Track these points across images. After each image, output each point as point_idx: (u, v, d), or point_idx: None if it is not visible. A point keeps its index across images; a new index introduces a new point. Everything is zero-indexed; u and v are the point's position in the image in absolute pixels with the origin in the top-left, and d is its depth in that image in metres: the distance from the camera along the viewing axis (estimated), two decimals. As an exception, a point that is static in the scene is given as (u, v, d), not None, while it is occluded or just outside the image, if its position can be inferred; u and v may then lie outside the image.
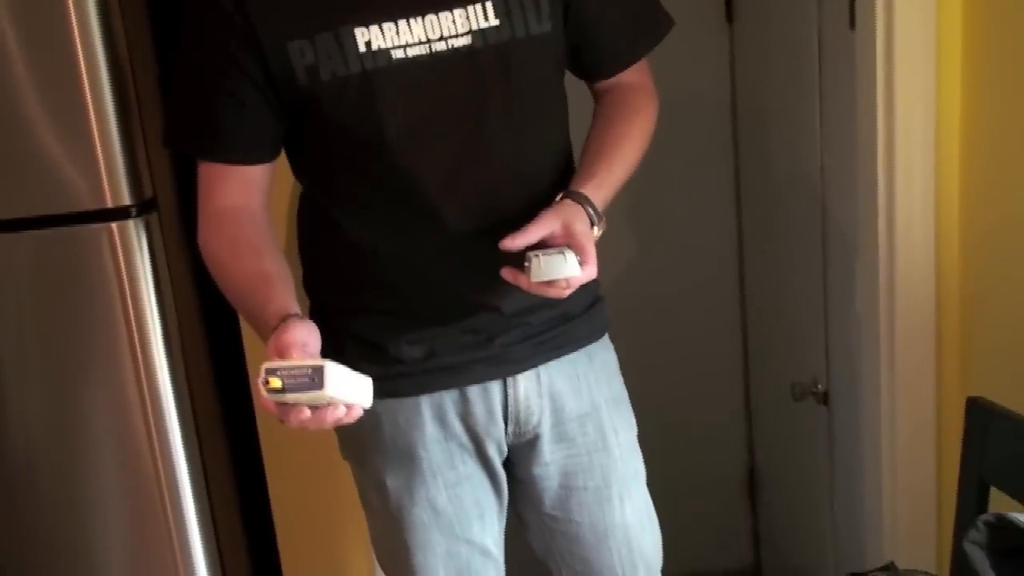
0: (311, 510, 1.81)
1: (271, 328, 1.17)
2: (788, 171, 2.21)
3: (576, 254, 1.23)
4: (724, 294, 2.58)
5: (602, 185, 1.33)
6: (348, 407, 1.14)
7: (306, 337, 1.16)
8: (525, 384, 1.43)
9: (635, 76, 1.43)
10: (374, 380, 1.17)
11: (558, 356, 1.45)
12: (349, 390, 1.12)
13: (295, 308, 1.22)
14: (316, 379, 1.07)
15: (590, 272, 1.25)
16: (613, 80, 1.43)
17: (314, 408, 1.12)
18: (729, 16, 2.47)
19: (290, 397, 1.09)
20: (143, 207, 1.54)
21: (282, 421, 1.13)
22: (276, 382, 1.08)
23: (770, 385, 2.47)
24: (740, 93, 2.48)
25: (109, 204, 1.50)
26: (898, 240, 1.64)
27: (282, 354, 1.13)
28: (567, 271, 1.22)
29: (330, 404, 1.12)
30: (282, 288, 1.26)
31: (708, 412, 2.62)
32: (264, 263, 1.29)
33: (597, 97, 1.45)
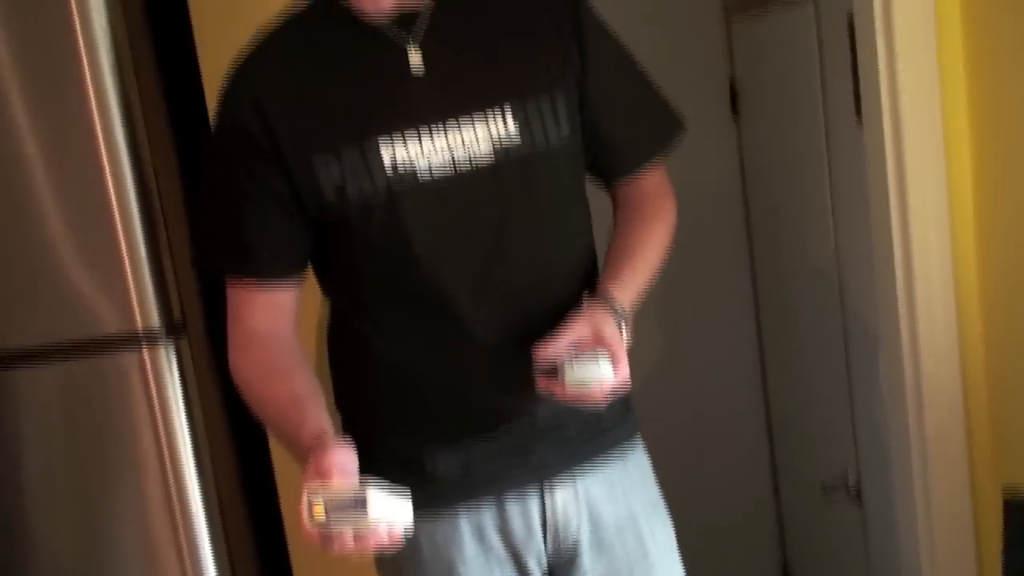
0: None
1: (307, 450, 1.17)
2: (803, 261, 2.23)
3: (609, 358, 1.24)
4: (746, 388, 2.58)
5: (628, 288, 1.34)
6: (391, 530, 1.12)
7: (345, 459, 1.15)
8: (562, 495, 1.42)
9: (652, 180, 1.45)
10: (414, 499, 1.16)
11: (593, 463, 1.44)
12: (391, 512, 1.12)
13: (330, 428, 1.22)
14: (360, 506, 1.07)
15: (623, 375, 1.25)
16: (629, 183, 1.45)
17: (357, 533, 1.11)
18: (734, 109, 2.51)
19: (334, 525, 1.08)
20: (172, 330, 1.55)
21: (325, 549, 1.11)
22: (320, 511, 1.07)
23: (799, 480, 2.44)
24: (750, 185, 2.51)
25: (139, 328, 1.52)
26: (920, 326, 1.64)
27: (322, 477, 1.12)
28: (600, 374, 1.22)
29: (373, 528, 1.10)
30: (315, 408, 1.26)
31: (738, 510, 2.58)
32: (295, 385, 1.30)
33: (616, 201, 1.47)
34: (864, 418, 1.97)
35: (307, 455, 1.16)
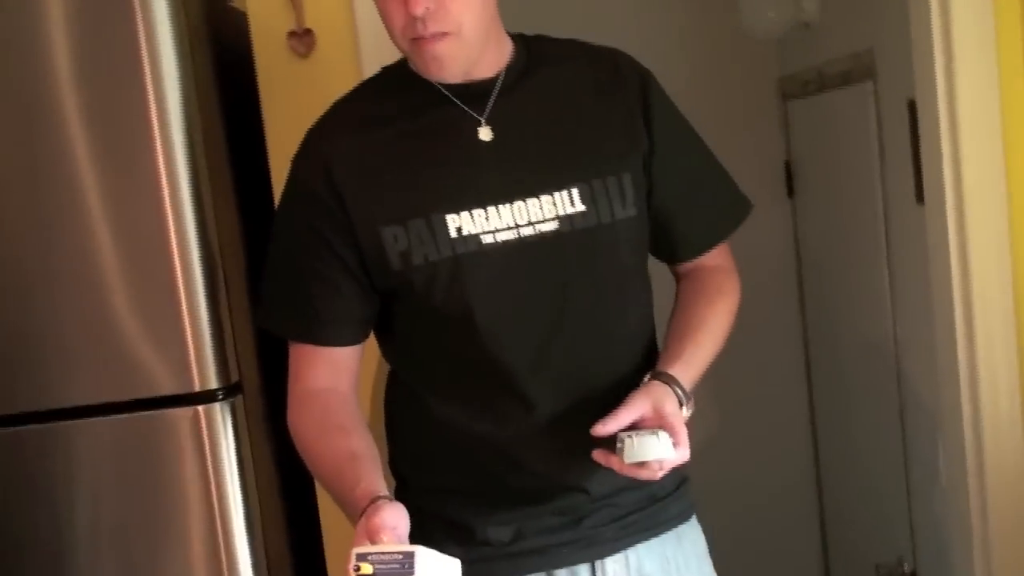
0: None
1: (360, 510, 1.16)
2: (858, 341, 2.20)
3: (669, 436, 1.22)
4: (798, 469, 2.54)
5: (689, 365, 1.33)
6: None
7: (396, 520, 1.14)
8: (614, 568, 1.40)
9: (717, 258, 1.45)
10: (464, 565, 1.15)
11: (647, 538, 1.41)
12: (439, 574, 1.10)
13: (384, 489, 1.21)
14: (407, 565, 1.06)
15: (683, 454, 1.24)
16: (695, 262, 1.45)
17: None
18: (790, 190, 2.52)
19: None
20: (229, 391, 1.56)
21: None
22: (367, 568, 1.06)
23: (852, 565, 2.38)
24: (805, 265, 2.50)
25: (196, 388, 1.53)
26: (984, 410, 1.61)
27: (372, 537, 1.12)
28: (661, 453, 1.21)
29: None
30: (371, 468, 1.26)
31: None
32: (352, 442, 1.30)
33: (679, 278, 1.47)
34: (921, 504, 1.93)
35: (359, 514, 1.16)
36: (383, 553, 1.07)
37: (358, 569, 1.06)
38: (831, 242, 2.32)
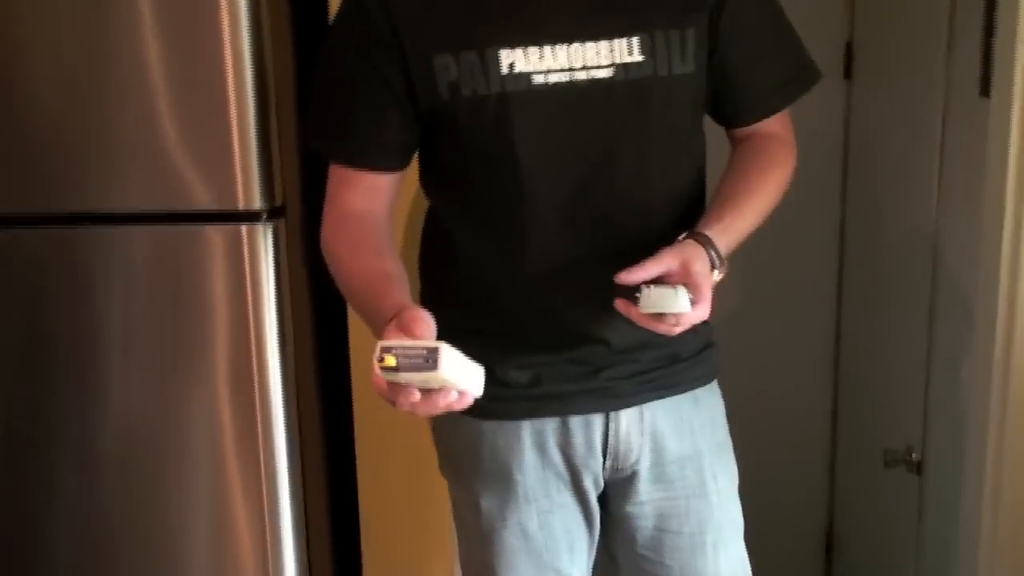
0: (400, 526, 1.83)
1: (387, 320, 1.17)
2: (898, 230, 2.19)
3: (690, 292, 1.23)
4: (818, 349, 2.55)
5: (728, 230, 1.33)
6: (460, 393, 1.13)
7: (425, 320, 1.14)
8: (627, 420, 1.43)
9: (776, 126, 1.43)
10: (480, 401, 1.17)
11: (663, 396, 1.44)
12: (462, 375, 1.11)
13: (412, 304, 1.22)
14: (431, 360, 1.06)
15: (702, 312, 1.25)
16: (753, 128, 1.43)
17: (425, 391, 1.11)
18: (847, 72, 2.45)
19: (403, 377, 1.08)
20: (272, 213, 1.58)
21: (393, 403, 1.11)
22: (391, 360, 1.07)
23: (859, 447, 2.43)
24: (852, 150, 2.46)
25: (241, 207, 1.54)
26: (1019, 310, 1.61)
27: (407, 329, 1.12)
28: (677, 306, 1.22)
29: (442, 388, 1.11)
30: (400, 286, 1.27)
31: (790, 469, 2.58)
32: (384, 263, 1.32)
33: (735, 143, 1.45)
34: (939, 396, 1.95)
35: (386, 324, 1.16)
36: (408, 347, 1.08)
37: (382, 360, 1.07)
38: (884, 128, 2.27)
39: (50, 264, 1.61)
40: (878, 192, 2.32)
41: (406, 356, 1.07)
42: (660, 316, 1.23)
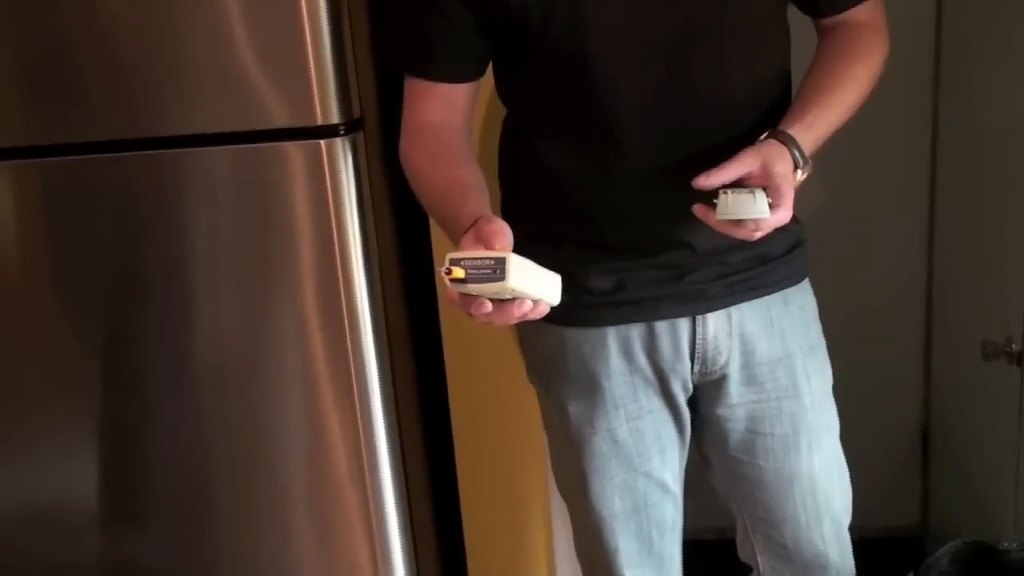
0: (492, 435, 1.85)
1: (464, 229, 1.17)
2: (995, 118, 2.09)
3: (770, 196, 1.19)
4: (912, 239, 2.49)
5: (813, 127, 1.28)
6: (535, 303, 1.12)
7: (502, 230, 1.13)
8: (715, 323, 1.41)
9: (866, 14, 1.36)
10: (564, 308, 1.17)
11: (751, 298, 1.42)
12: (534, 284, 1.11)
13: (490, 214, 1.21)
14: (498, 271, 1.06)
15: (783, 216, 1.21)
16: (841, 16, 1.36)
17: (498, 302, 1.10)
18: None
19: (472, 288, 1.07)
20: (350, 126, 1.57)
21: (469, 313, 1.12)
22: (459, 272, 1.06)
23: (955, 340, 2.37)
24: (945, 33, 2.35)
25: (319, 122, 1.54)
26: None
27: (486, 241, 1.12)
28: (755, 211, 1.19)
29: (515, 298, 1.10)
30: (479, 196, 1.27)
31: (885, 364, 2.54)
32: (462, 172, 1.31)
33: (822, 33, 1.39)
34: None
35: (464, 234, 1.16)
36: (475, 258, 1.07)
37: (450, 272, 1.07)
38: (979, 10, 2.16)
39: (133, 189, 1.62)
40: (973, 77, 2.21)
41: (474, 268, 1.06)
42: (739, 222, 1.20)
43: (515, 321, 1.13)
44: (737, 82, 1.32)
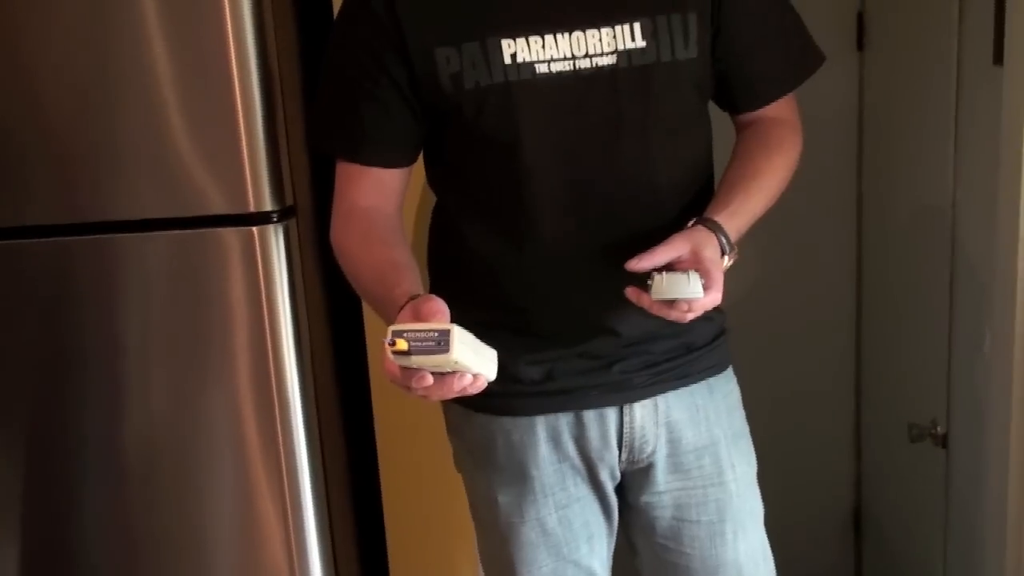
0: (423, 522, 1.84)
1: (399, 308, 1.17)
2: (915, 203, 2.16)
3: (702, 278, 1.22)
4: (840, 324, 2.54)
5: (737, 215, 1.32)
6: (474, 376, 1.12)
7: (440, 307, 1.13)
8: (642, 412, 1.42)
9: (781, 110, 1.41)
10: (494, 397, 1.17)
11: (678, 387, 1.43)
12: (475, 358, 1.10)
13: (425, 293, 1.21)
14: (442, 343, 1.05)
15: (715, 298, 1.23)
16: (758, 113, 1.41)
17: (438, 375, 1.10)
18: (860, 43, 2.42)
19: (415, 360, 1.06)
20: (283, 213, 1.58)
21: (406, 388, 1.10)
22: (402, 344, 1.05)
23: (883, 422, 2.41)
24: (867, 122, 2.43)
25: (252, 209, 1.55)
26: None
27: (425, 319, 1.11)
28: (690, 292, 1.21)
29: (455, 371, 1.10)
30: (412, 275, 1.27)
31: (816, 446, 2.57)
32: (395, 252, 1.32)
33: (740, 129, 1.43)
34: (962, 369, 1.93)
35: (398, 312, 1.16)
36: (419, 330, 1.06)
37: (394, 344, 1.06)
38: (898, 100, 2.25)
39: (67, 273, 1.62)
40: (894, 165, 2.29)
41: (417, 339, 1.06)
42: (672, 303, 1.22)
43: (454, 395, 1.12)
44: (662, 171, 1.35)
